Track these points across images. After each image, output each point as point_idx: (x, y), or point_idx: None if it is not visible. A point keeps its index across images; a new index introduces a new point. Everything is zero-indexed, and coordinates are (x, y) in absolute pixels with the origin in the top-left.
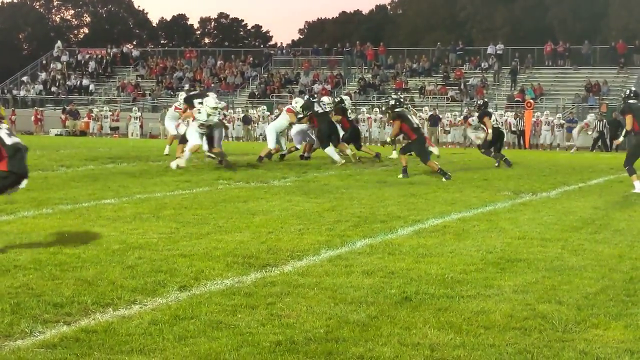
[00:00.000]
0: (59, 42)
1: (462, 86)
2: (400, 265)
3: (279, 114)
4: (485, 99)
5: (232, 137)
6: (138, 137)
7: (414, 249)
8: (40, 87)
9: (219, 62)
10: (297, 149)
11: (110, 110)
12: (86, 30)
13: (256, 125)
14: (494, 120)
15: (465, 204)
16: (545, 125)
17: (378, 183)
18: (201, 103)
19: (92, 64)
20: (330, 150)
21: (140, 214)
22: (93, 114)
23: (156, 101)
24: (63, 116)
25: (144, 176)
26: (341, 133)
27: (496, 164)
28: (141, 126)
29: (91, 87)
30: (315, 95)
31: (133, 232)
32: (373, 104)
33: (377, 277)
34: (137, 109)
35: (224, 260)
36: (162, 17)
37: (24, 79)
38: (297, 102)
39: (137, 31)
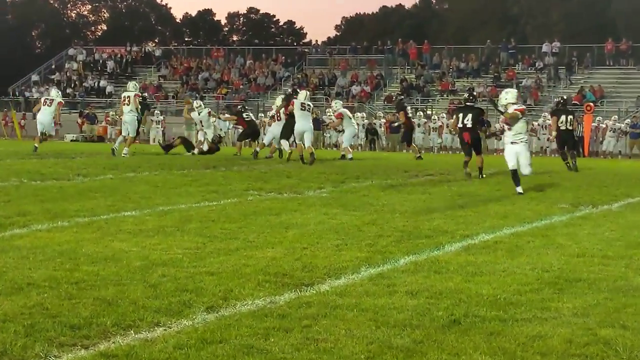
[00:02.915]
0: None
1: (514, 87)
2: (447, 285)
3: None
4: (564, 97)
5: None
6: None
7: (462, 267)
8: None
9: (248, 62)
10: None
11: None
12: (104, 27)
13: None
14: (561, 122)
15: (519, 218)
16: (610, 131)
17: (423, 194)
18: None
19: (110, 64)
20: (285, 143)
21: (164, 227)
22: (111, 118)
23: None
24: (79, 120)
25: (168, 186)
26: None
27: (569, 165)
28: (164, 132)
29: (109, 88)
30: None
31: (156, 248)
32: (417, 107)
33: (422, 298)
34: (159, 112)
35: (254, 279)
36: (187, 13)
37: (35, 78)
38: (337, 104)
39: (160, 28)
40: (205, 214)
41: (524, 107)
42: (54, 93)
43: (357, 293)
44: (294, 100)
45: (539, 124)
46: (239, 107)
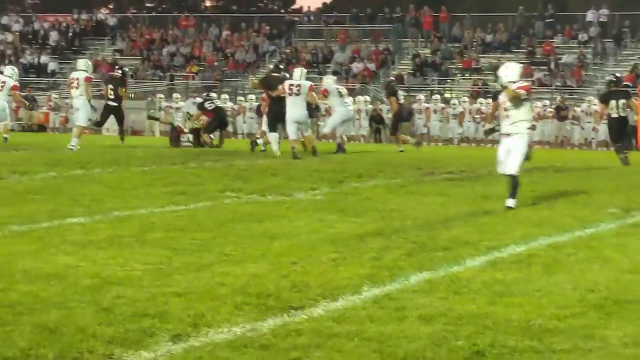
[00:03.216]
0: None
1: (552, 65)
2: (469, 308)
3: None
4: (617, 75)
5: (242, 132)
6: (116, 134)
7: (488, 286)
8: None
9: (224, 33)
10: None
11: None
12: None
13: None
14: (611, 107)
15: (558, 226)
16: None
17: (440, 196)
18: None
19: (53, 35)
20: (274, 137)
21: (119, 237)
22: (53, 102)
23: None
24: (15, 105)
25: (124, 186)
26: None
27: (623, 159)
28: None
29: (53, 66)
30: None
31: (109, 263)
32: (432, 88)
33: (438, 324)
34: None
35: (232, 301)
36: None
37: None
38: (328, 79)
39: None
40: (171, 221)
41: (528, 83)
42: (9, 71)
43: (359, 318)
44: (287, 80)
45: (582, 110)
46: (198, 100)
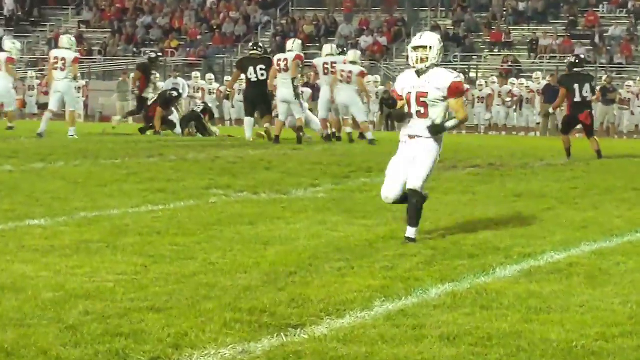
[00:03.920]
0: None
1: (596, 39)
2: (500, 327)
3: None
4: (581, 56)
5: (229, 119)
6: (81, 120)
7: (522, 301)
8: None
9: (209, 1)
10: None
11: (37, 78)
12: None
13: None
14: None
15: (604, 229)
16: None
17: (464, 194)
18: None
19: (8, 4)
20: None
21: (87, 242)
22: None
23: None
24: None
25: (93, 183)
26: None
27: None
28: (86, 103)
29: (6, 40)
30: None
31: (75, 273)
32: (454, 66)
33: (463, 345)
34: (79, 75)
35: (219, 318)
36: None
37: None
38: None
39: None
40: (147, 224)
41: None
42: (9, 44)
43: (369, 338)
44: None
45: (631, 92)
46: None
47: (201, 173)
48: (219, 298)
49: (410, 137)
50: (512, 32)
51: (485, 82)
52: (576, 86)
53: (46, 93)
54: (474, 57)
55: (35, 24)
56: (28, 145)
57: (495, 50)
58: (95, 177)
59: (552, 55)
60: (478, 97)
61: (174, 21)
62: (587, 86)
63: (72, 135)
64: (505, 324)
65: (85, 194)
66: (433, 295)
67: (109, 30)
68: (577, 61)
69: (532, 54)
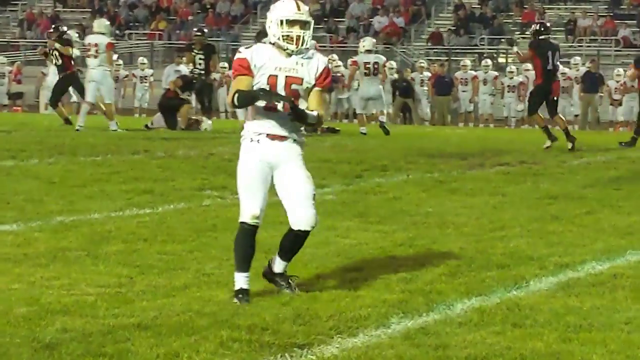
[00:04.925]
0: None
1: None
2: (534, 347)
3: None
4: (546, 24)
5: (225, 110)
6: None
7: (558, 317)
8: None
9: None
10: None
11: (7, 64)
12: None
13: None
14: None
15: None
16: None
17: (492, 195)
18: None
19: None
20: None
21: (64, 250)
22: None
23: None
24: None
25: (70, 183)
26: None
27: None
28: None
29: None
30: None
31: (52, 285)
32: (481, 50)
33: None
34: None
35: (215, 336)
36: None
37: None
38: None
39: None
40: (132, 229)
41: None
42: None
43: (386, 359)
44: None
45: None
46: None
47: (193, 172)
48: (214, 314)
49: None
50: (547, 11)
51: (517, 68)
52: (549, 53)
53: (19, 82)
54: (503, 40)
55: (4, 2)
56: None
57: (527, 33)
58: (73, 176)
59: (592, 38)
60: (509, 86)
61: (161, 1)
62: (557, 54)
63: (114, 130)
64: (541, 343)
65: (62, 196)
66: (458, 311)
67: (89, 10)
68: (543, 29)
69: (569, 37)
